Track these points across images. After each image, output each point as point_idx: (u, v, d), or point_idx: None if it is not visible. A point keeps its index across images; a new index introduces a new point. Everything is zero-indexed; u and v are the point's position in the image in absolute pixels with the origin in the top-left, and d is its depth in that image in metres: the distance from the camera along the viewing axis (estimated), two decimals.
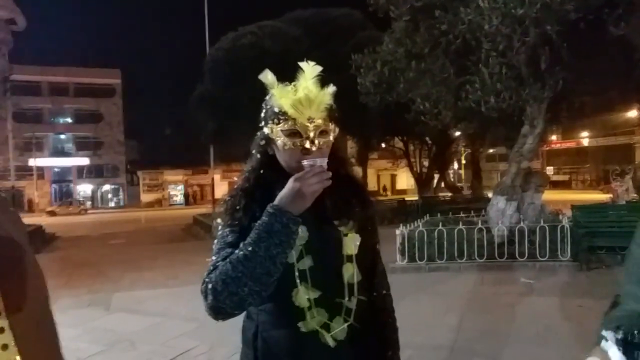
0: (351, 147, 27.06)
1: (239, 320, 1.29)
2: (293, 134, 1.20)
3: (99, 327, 5.69)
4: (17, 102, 42.15)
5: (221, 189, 28.60)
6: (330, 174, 1.15)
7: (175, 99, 52.39)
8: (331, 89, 1.24)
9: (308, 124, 1.19)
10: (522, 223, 8.24)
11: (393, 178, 55.17)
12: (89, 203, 48.42)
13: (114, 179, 51.69)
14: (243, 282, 1.09)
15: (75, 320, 5.84)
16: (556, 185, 38.74)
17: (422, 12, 8.91)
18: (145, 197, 50.04)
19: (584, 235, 7.76)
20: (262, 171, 1.30)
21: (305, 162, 1.16)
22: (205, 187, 45.84)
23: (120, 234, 19.97)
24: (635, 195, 11.78)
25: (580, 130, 39.67)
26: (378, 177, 53.31)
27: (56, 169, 49.47)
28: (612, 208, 9.85)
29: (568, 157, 49.16)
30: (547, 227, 7.87)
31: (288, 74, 1.24)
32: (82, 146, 50.18)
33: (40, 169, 47.06)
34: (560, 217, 8.76)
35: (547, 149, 44.12)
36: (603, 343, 0.91)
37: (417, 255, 8.21)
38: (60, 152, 49.67)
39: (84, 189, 50.65)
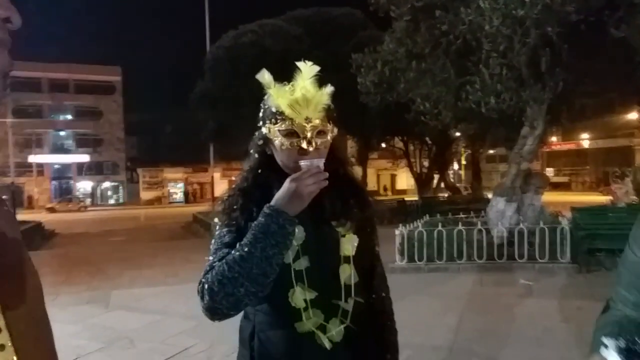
0: (351, 146, 27.08)
1: (238, 319, 1.29)
2: (290, 134, 1.19)
3: (98, 325, 5.68)
4: (17, 99, 42.20)
5: (221, 187, 28.53)
6: (327, 174, 1.14)
7: (176, 96, 52.31)
8: (329, 89, 1.23)
9: (305, 124, 1.18)
10: (521, 224, 8.23)
11: (393, 178, 55.16)
12: (88, 200, 48.46)
13: (114, 176, 51.73)
14: (239, 283, 1.08)
15: (75, 317, 5.84)
16: (556, 186, 38.67)
17: (423, 12, 8.91)
18: (145, 195, 50.09)
19: (584, 237, 7.76)
20: (260, 171, 1.29)
21: (302, 163, 1.16)
22: (205, 185, 45.87)
23: (119, 231, 19.99)
24: (635, 197, 11.75)
25: (580, 132, 39.63)
26: (378, 177, 53.34)
27: (56, 166, 49.48)
28: (611, 210, 9.85)
29: (568, 158, 49.07)
30: (546, 229, 7.85)
31: (288, 73, 1.23)
32: (82, 143, 50.21)
33: (40, 166, 47.09)
34: (560, 218, 8.77)
35: (547, 150, 44.06)
36: (603, 350, 0.90)
37: (416, 255, 8.21)
38: (60, 149, 49.64)
39: (83, 185, 50.66)
